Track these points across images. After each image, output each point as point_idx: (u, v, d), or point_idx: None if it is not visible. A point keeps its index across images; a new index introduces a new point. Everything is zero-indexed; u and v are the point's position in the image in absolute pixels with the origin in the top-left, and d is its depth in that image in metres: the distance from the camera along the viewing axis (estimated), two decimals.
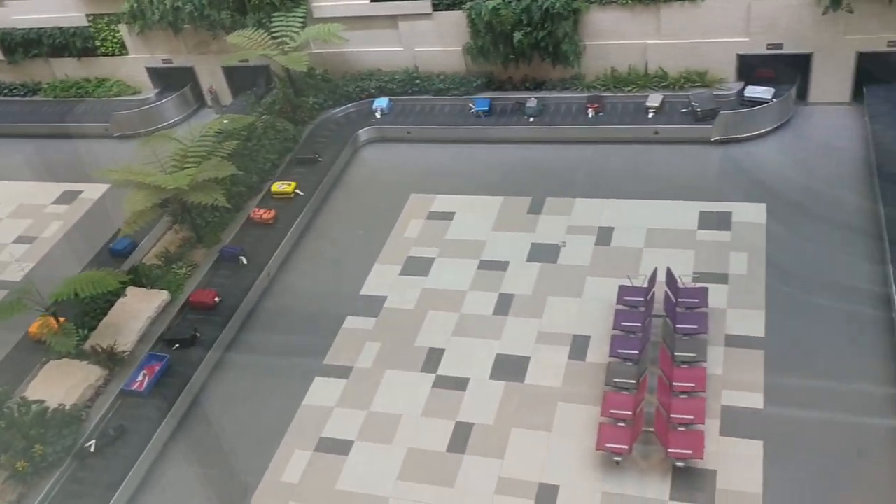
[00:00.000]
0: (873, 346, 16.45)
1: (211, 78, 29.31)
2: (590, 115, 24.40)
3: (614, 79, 24.99)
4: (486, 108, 25.45)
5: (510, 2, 24.08)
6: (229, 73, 28.99)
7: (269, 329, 20.06)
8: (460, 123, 25.58)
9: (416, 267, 20.91)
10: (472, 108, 25.60)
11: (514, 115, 25.28)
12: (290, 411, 17.62)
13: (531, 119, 24.87)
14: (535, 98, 25.02)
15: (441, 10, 25.70)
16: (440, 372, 17.84)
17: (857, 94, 23.41)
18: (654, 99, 23.95)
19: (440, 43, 26.33)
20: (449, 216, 22.50)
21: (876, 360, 16.16)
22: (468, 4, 24.78)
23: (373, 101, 26.67)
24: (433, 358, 18.21)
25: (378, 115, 26.47)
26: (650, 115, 23.81)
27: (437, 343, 18.56)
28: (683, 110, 23.52)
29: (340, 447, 16.67)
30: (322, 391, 17.98)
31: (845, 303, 17.55)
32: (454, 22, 25.63)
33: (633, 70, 24.87)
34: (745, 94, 23.37)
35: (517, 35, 24.22)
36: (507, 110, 25.49)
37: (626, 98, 24.62)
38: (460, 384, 17.46)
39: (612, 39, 24.63)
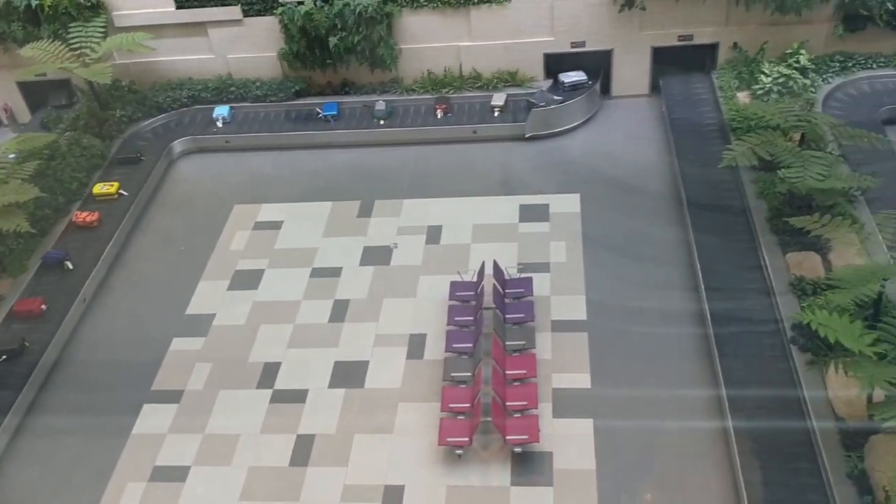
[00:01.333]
0: (686, 320, 17.74)
1: (5, 95, 27.07)
2: (438, 116, 24.69)
3: (431, 81, 25.44)
4: (334, 113, 25.15)
5: (323, 6, 23.93)
6: (26, 88, 26.89)
7: (89, 358, 18.81)
8: (299, 129, 25.11)
9: (245, 280, 20.34)
10: (319, 113, 25.22)
11: (363, 118, 25.14)
12: (119, 442, 16.64)
13: (381, 122, 24.84)
14: (384, 101, 25.03)
15: (252, 16, 25.11)
16: (277, 386, 17.46)
17: (655, 86, 25.16)
18: (499, 98, 24.57)
19: (254, 49, 25.73)
20: (276, 225, 22.06)
21: (689, 334, 17.44)
22: (280, 10, 24.38)
23: (213, 110, 25.67)
24: (269, 372, 17.79)
25: (220, 123, 25.52)
26: (496, 114, 24.39)
27: (273, 357, 18.15)
28: (535, 110, 24.21)
29: (177, 474, 15.93)
30: (152, 418, 17.10)
31: (658, 279, 18.84)
32: (267, 27, 25.14)
33: (449, 72, 25.43)
34: (564, 81, 24.46)
35: (332, 39, 24.11)
36: (356, 114, 25.32)
37: (472, 98, 25.08)
38: (299, 396, 17.17)
39: (426, 42, 25.05)
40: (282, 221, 22.16)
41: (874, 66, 23.58)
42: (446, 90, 25.23)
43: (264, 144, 25.18)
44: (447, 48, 25.10)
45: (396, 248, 20.78)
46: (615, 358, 17.12)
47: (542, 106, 24.00)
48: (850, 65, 23.58)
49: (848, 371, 13.36)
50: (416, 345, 17.99)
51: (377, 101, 25.12)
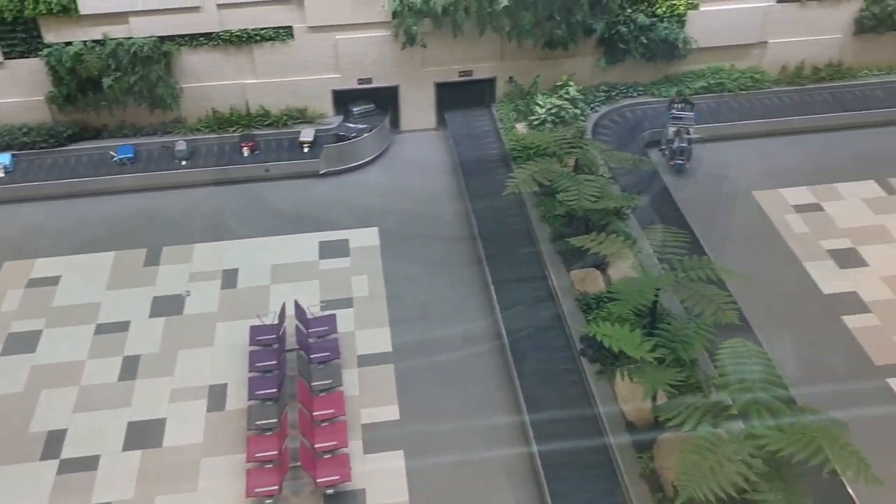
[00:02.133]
0: (486, 343, 18.32)
1: None
2: (245, 154, 23.97)
3: (217, 120, 24.78)
4: (129, 155, 23.71)
5: (94, 46, 22.66)
6: None
7: None
8: (89, 175, 23.47)
9: (20, 343, 18.59)
10: (114, 157, 23.65)
11: (162, 160, 23.89)
12: None
13: (183, 162, 23.73)
14: (184, 140, 24.00)
15: (15, 58, 23.27)
16: (64, 455, 16.03)
17: (442, 120, 26.02)
18: (307, 134, 24.28)
19: (18, 93, 23.83)
20: (53, 281, 20.39)
21: (489, 356, 18.02)
22: (46, 51, 22.78)
23: None
24: (54, 441, 16.30)
25: (0, 173, 23.23)
26: (305, 150, 24.10)
27: (57, 424, 16.67)
28: (327, 146, 24.16)
29: None
30: None
31: (457, 305, 19.36)
32: (32, 70, 23.40)
33: (235, 110, 24.89)
34: (353, 110, 24.93)
35: (106, 80, 22.86)
36: (154, 155, 24.03)
37: (279, 134, 24.65)
38: (90, 464, 15.86)
39: (209, 81, 24.41)
40: (59, 276, 20.52)
41: (634, 94, 25.85)
42: (234, 129, 24.66)
43: (43, 194, 23.30)
44: (232, 86, 24.59)
45: (189, 295, 19.88)
46: (422, 386, 17.33)
47: (353, 136, 24.23)
48: (613, 94, 25.69)
49: (632, 377, 14.34)
50: (216, 396, 17.24)
51: (177, 140, 24.08)
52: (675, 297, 16.79)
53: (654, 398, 14.96)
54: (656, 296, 15.55)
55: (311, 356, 17.48)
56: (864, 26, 25.67)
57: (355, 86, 24.98)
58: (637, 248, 17.72)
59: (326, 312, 18.90)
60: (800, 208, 21.95)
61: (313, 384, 16.86)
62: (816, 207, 21.94)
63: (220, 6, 23.20)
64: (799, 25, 25.67)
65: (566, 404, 16.18)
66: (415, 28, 23.29)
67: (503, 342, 17.87)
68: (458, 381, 17.45)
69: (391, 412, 16.75)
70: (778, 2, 25.17)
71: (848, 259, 20.15)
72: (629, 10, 24.46)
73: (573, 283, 18.65)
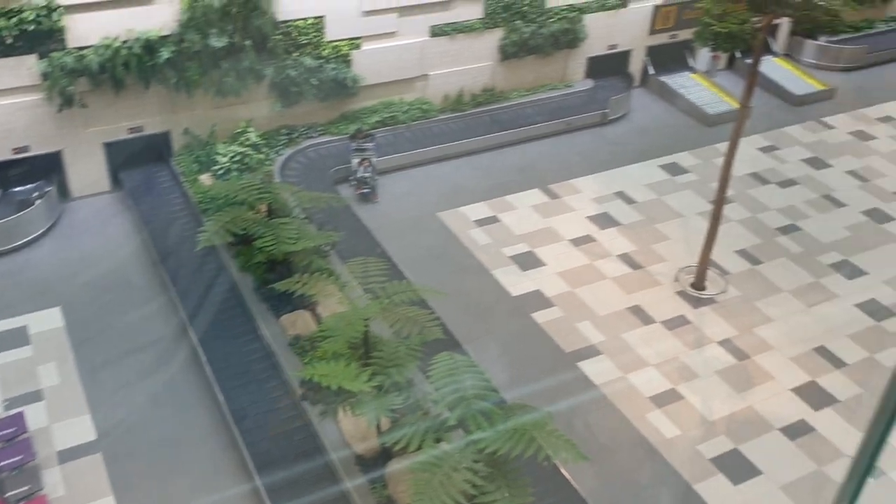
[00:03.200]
0: (201, 409, 17.44)
1: None
2: None
3: None
4: None
5: None
6: None
7: None
8: None
9: None
10: None
11: None
12: None
13: None
14: None
15: None
16: None
17: (117, 181, 24.41)
18: None
19: None
20: None
21: (208, 421, 17.17)
22: None
23: None
24: None
25: None
26: None
27: None
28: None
29: None
30: None
31: (165, 373, 18.20)
32: None
33: None
34: (10, 173, 22.92)
35: None
36: None
37: None
38: None
39: None
40: None
41: (315, 134, 26.32)
42: None
43: None
44: None
45: None
46: (139, 470, 15.99)
47: (35, 196, 22.41)
48: (294, 136, 25.95)
49: (354, 411, 14.47)
50: None
51: None
52: (384, 323, 17.32)
53: (378, 427, 15.24)
54: (366, 326, 15.86)
55: (1, 464, 15.39)
56: (507, 53, 28.62)
57: (11, 156, 22.59)
58: (341, 282, 17.96)
59: (12, 412, 16.78)
60: (480, 222, 23.82)
61: (7, 494, 14.85)
62: (494, 220, 23.96)
63: None
64: (452, 57, 27.93)
65: (295, 454, 15.92)
66: (70, 88, 21.68)
67: (220, 405, 17.13)
68: (178, 456, 16.38)
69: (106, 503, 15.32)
70: (431, 37, 27.17)
71: (528, 262, 22.24)
72: (296, 54, 24.93)
73: (285, 329, 18.45)
